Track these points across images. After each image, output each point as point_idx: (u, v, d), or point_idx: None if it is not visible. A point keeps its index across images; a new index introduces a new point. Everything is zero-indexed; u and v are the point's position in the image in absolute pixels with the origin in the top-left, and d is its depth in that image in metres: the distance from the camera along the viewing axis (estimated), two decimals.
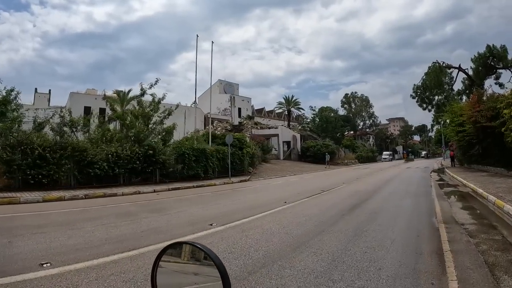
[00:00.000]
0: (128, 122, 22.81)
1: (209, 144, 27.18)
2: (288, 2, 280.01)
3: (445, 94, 36.38)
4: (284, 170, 34.72)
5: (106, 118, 24.62)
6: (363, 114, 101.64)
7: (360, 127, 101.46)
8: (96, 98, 39.33)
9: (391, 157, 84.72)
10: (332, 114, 67.02)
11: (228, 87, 70.93)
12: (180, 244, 1.39)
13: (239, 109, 67.74)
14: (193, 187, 19.78)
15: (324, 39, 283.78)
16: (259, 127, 55.92)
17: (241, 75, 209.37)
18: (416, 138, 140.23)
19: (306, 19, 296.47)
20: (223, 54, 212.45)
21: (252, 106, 73.20)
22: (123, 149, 19.30)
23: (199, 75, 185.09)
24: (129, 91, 40.79)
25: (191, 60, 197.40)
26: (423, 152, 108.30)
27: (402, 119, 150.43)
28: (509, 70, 39.09)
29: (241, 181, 23.86)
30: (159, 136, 23.73)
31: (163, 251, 1.37)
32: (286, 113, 65.94)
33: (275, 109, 68.54)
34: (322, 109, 76.13)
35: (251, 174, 29.34)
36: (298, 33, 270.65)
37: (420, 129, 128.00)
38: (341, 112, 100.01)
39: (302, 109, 66.84)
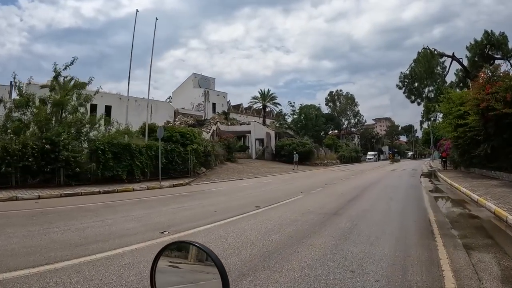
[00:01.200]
0: (32, 110, 17.98)
1: (146, 139, 21.83)
2: (277, 1, 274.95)
3: (436, 85, 30.85)
4: (246, 171, 29.10)
5: (12, 106, 19.16)
6: (348, 112, 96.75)
7: (344, 126, 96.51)
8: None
9: (376, 157, 79.73)
10: (315, 113, 61.34)
11: (203, 81, 65.40)
12: (179, 244, 1.38)
13: (214, 104, 62.71)
14: (99, 193, 14.98)
15: (313, 39, 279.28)
16: (229, 123, 50.26)
17: (229, 73, 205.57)
18: (403, 138, 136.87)
19: (295, 18, 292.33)
20: (211, 52, 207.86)
21: (228, 101, 67.90)
22: (13, 143, 15.33)
23: (186, 72, 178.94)
24: (71, 78, 34.81)
25: (179, 58, 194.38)
26: (410, 153, 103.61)
27: (388, 119, 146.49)
28: (508, 61, 33.95)
29: (174, 186, 18.42)
30: (71, 128, 18.76)
31: (163, 250, 1.35)
32: (262, 108, 60.12)
33: (250, 104, 62.81)
34: (304, 107, 72.06)
35: (200, 176, 23.72)
36: (286, 32, 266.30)
37: (407, 129, 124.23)
38: (325, 110, 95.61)
39: (279, 104, 61.15)
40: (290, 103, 59.25)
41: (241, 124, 50.77)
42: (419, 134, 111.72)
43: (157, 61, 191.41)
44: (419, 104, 31.90)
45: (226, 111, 61.62)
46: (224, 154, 34.89)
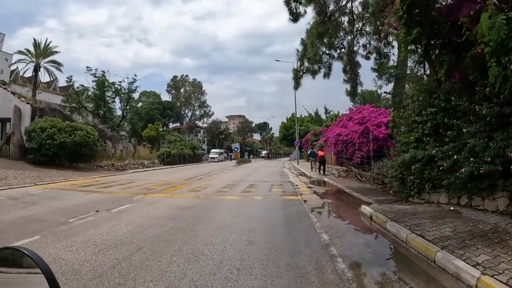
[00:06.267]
0: None
1: None
2: None
3: None
4: None
5: None
6: (193, 102, 77.97)
7: (188, 118, 77.39)
8: None
9: (223, 156, 62.51)
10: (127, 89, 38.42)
11: None
12: (6, 250, 1.20)
13: None
14: None
15: (178, 35, 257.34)
16: None
17: (85, 61, 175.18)
18: (257, 137, 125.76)
19: (164, 11, 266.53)
20: (70, 36, 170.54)
21: (15, 69, 40.88)
22: None
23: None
24: None
25: (33, 38, 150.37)
26: (264, 152, 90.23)
27: (243, 116, 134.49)
28: None
29: None
30: None
31: None
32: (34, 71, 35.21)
33: (16, 63, 37.08)
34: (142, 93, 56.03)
35: None
36: (152, 24, 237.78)
37: (261, 127, 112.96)
38: (167, 98, 75.98)
39: (59, 64, 36.70)
40: (89, 69, 36.00)
41: None
42: (275, 132, 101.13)
43: (9, 40, 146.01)
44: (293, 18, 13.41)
45: (9, 80, 35.42)
46: None
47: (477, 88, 7.37)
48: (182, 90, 78.65)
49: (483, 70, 7.10)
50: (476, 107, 7.11)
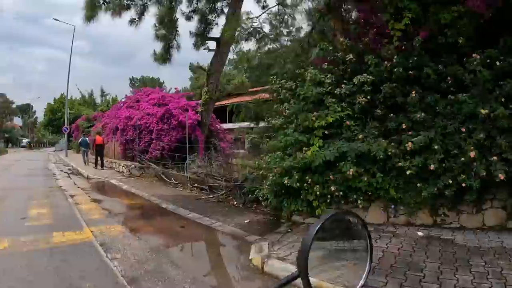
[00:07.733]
0: None
1: None
2: None
3: None
4: None
5: None
6: None
7: None
8: None
9: None
10: None
11: None
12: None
13: None
14: None
15: None
16: None
17: None
18: (18, 121, 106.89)
19: None
20: None
21: None
22: None
23: None
24: None
25: None
26: (25, 140, 76.57)
27: (4, 95, 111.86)
28: None
29: None
30: None
31: None
32: None
33: None
34: None
35: None
36: None
37: (23, 110, 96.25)
38: None
39: None
40: None
41: None
42: (40, 116, 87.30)
43: None
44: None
45: None
46: None
47: (478, 53, 5.43)
48: None
49: (481, 30, 5.70)
50: None
